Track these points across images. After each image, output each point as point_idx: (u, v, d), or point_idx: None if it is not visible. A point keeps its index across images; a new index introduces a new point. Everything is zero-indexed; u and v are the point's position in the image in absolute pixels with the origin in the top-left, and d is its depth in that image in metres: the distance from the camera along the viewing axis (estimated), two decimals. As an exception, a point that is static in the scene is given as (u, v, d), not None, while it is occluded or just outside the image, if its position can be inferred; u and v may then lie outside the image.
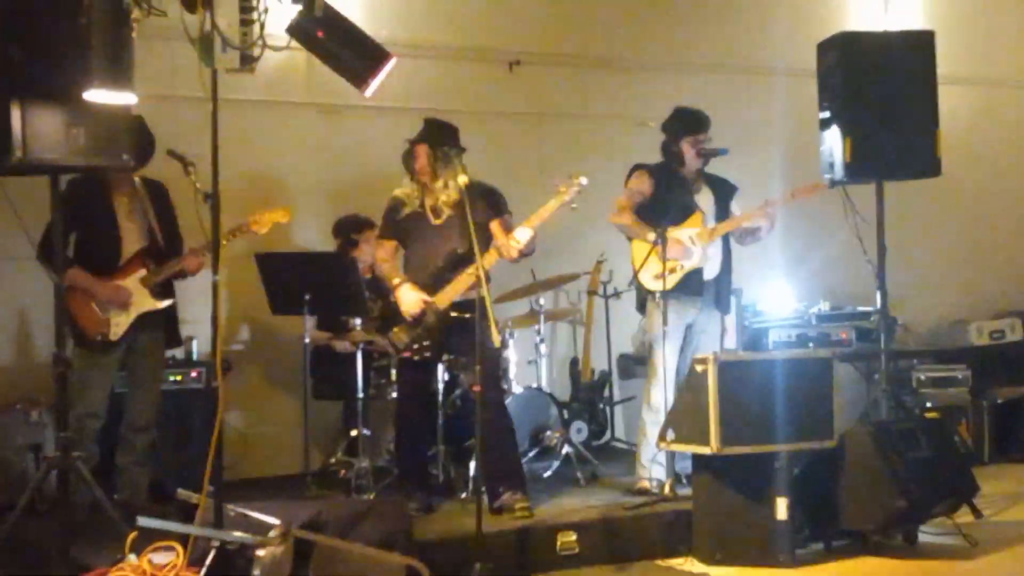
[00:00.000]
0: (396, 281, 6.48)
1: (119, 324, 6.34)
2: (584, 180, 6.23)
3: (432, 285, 6.42)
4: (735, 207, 7.11)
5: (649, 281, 6.89)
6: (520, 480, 6.50)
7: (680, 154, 6.98)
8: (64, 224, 5.65)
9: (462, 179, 6.14)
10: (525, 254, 6.32)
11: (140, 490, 6.49)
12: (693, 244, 6.89)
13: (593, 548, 6.13)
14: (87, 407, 6.24)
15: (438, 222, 6.50)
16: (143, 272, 6.40)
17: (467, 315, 6.20)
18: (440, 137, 6.49)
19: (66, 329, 5.54)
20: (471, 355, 5.99)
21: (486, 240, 6.38)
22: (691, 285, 6.90)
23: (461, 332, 6.28)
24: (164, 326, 6.56)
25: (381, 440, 7.48)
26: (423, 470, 6.72)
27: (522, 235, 6.24)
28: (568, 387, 8.45)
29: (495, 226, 6.50)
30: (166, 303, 6.45)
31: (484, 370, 5.76)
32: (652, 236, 6.75)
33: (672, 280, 6.79)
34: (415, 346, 6.46)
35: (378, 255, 6.74)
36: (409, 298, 6.41)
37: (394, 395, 7.08)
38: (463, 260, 6.35)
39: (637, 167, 7.10)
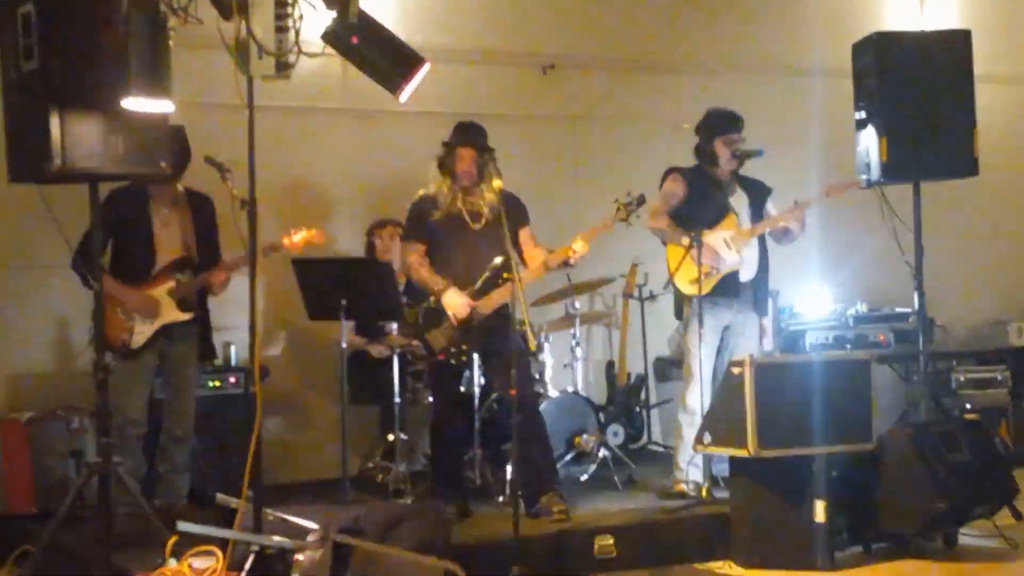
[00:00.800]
0: (441, 285, 6.47)
1: (142, 333, 6.38)
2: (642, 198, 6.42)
3: (475, 290, 6.44)
4: (771, 207, 7.09)
5: (685, 286, 6.88)
6: (556, 484, 6.50)
7: (714, 155, 6.96)
8: (103, 232, 5.69)
9: (497, 183, 6.20)
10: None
11: (179, 496, 6.54)
12: (728, 247, 6.87)
13: (631, 552, 6.12)
14: (124, 414, 6.28)
15: (477, 227, 6.52)
16: (172, 284, 6.43)
17: (503, 319, 6.24)
18: (482, 140, 6.52)
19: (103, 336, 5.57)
20: (506, 358, 6.03)
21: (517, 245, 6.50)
22: (727, 288, 6.89)
23: (497, 335, 6.31)
24: (196, 340, 6.59)
25: (418, 444, 7.50)
26: (459, 475, 6.73)
27: (580, 247, 6.32)
28: (604, 390, 8.44)
29: (526, 234, 6.55)
30: (188, 316, 6.48)
31: (520, 373, 5.76)
32: (686, 241, 6.73)
33: (708, 284, 6.77)
34: (452, 349, 6.47)
35: (411, 259, 6.64)
36: (457, 302, 6.42)
37: (430, 399, 7.11)
38: (508, 268, 6.38)
39: (671, 170, 7.09)
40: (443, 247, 6.61)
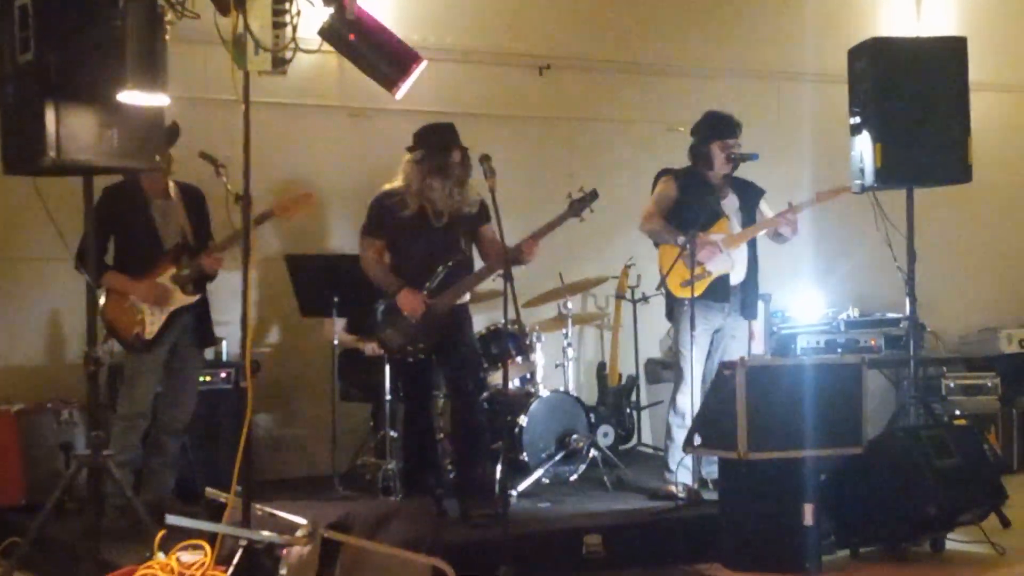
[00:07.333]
0: (396, 286, 6.34)
1: (153, 323, 6.33)
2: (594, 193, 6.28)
3: (434, 288, 6.35)
4: (765, 208, 7.08)
5: (677, 288, 6.88)
6: (483, 488, 6.45)
7: (709, 157, 6.93)
8: (103, 228, 5.71)
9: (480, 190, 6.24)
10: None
11: (167, 489, 6.52)
12: (720, 251, 6.87)
13: (619, 552, 6.12)
14: (136, 407, 6.28)
15: (440, 225, 6.42)
16: (173, 269, 6.40)
17: (459, 318, 6.41)
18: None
19: (98, 328, 5.55)
20: (461, 357, 6.33)
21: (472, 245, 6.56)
22: (718, 291, 6.89)
23: (453, 334, 6.37)
24: (198, 327, 6.56)
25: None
26: (432, 472, 6.64)
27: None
28: (595, 391, 8.45)
29: (489, 231, 6.46)
30: (195, 298, 6.43)
31: (469, 373, 6.08)
32: (681, 240, 6.72)
33: (699, 287, 6.77)
34: (408, 348, 6.43)
35: (368, 255, 6.49)
36: (412, 301, 6.32)
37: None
38: (465, 265, 6.38)
39: (664, 172, 7.09)
40: (402, 244, 6.48)
